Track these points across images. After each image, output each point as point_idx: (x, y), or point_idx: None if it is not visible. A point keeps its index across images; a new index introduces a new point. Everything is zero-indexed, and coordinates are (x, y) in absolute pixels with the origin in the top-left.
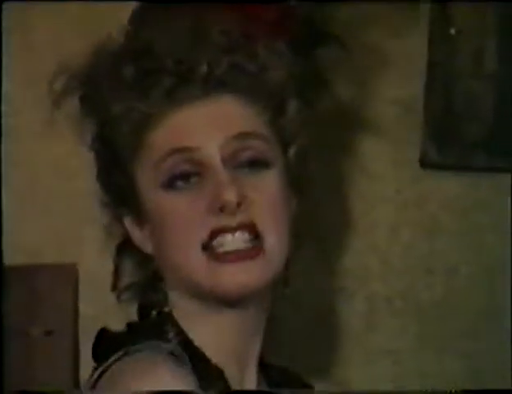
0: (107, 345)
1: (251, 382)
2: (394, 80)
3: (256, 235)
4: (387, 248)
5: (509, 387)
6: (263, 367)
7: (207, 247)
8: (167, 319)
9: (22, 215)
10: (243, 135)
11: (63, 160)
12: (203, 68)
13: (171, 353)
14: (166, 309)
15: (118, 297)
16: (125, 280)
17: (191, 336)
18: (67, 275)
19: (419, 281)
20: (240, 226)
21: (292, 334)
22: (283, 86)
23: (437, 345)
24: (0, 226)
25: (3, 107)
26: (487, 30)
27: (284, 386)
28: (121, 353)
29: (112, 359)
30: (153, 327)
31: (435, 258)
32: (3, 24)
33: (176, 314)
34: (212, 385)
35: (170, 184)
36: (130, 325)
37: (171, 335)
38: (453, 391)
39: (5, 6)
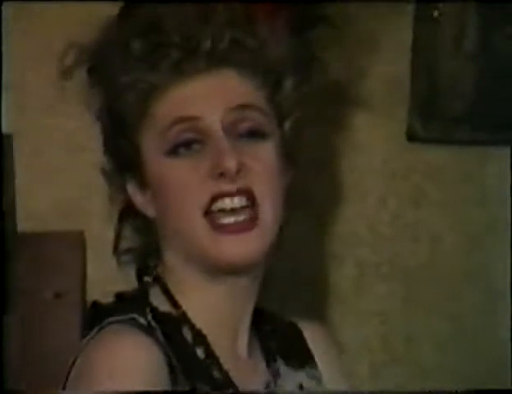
0: (94, 318)
1: (243, 346)
2: (382, 59)
3: (252, 202)
4: (375, 216)
5: (493, 345)
6: (258, 325)
7: (207, 213)
8: (154, 288)
9: (33, 186)
10: (242, 107)
11: (71, 134)
12: (207, 43)
13: (142, 325)
14: (157, 276)
15: (118, 260)
16: (126, 244)
17: (183, 301)
18: (75, 242)
19: (406, 248)
20: (239, 192)
21: (283, 298)
22: (280, 63)
23: (423, 307)
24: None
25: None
26: (468, 13)
27: (277, 341)
28: (97, 328)
29: (92, 333)
30: (134, 299)
31: (420, 227)
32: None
33: (171, 281)
34: (188, 354)
35: (173, 151)
36: (117, 296)
37: (149, 308)
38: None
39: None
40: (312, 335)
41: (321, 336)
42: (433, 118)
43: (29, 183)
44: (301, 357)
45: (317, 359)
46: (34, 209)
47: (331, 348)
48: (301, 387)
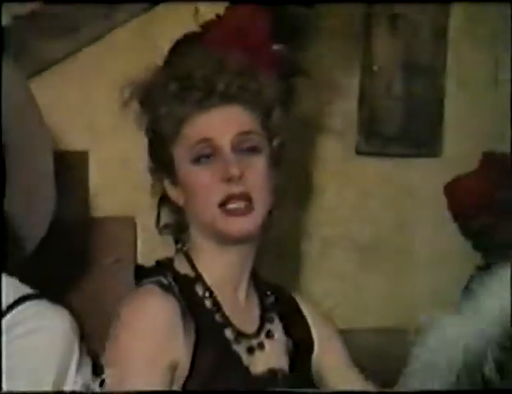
0: (138, 278)
1: (241, 297)
2: (340, 97)
3: (250, 201)
4: (337, 204)
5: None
6: (256, 282)
7: (220, 205)
8: (183, 255)
9: (104, 189)
10: (244, 133)
11: (128, 151)
12: (221, 87)
13: (163, 285)
14: (184, 248)
15: (159, 232)
16: (164, 221)
17: (201, 267)
18: (129, 223)
19: (355, 228)
20: (241, 196)
21: (271, 263)
22: (271, 100)
23: (371, 268)
24: None
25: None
26: (397, 67)
27: (269, 291)
28: (137, 286)
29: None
30: (163, 265)
31: (365, 213)
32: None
33: (192, 250)
34: (203, 307)
35: (197, 160)
36: (156, 262)
37: (171, 272)
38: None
39: None
40: (305, 305)
41: (302, 299)
42: (373, 138)
43: (101, 187)
44: (292, 312)
45: (305, 312)
46: (106, 204)
47: (323, 318)
48: (287, 331)
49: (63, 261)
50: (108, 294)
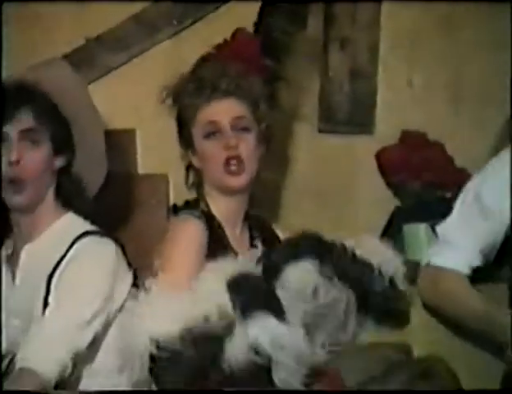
0: (175, 212)
1: (238, 230)
2: (306, 95)
3: (242, 163)
4: (305, 165)
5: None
6: (247, 220)
7: (225, 165)
8: (202, 200)
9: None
10: (239, 117)
11: (165, 136)
12: (224, 85)
13: (197, 216)
14: (202, 195)
15: (187, 188)
16: (190, 179)
17: (213, 209)
18: (164, 179)
19: (318, 179)
20: (236, 157)
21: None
22: (258, 95)
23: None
24: None
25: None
26: (345, 73)
27: (258, 229)
28: (175, 217)
29: (172, 220)
30: (193, 203)
31: (325, 168)
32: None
33: (207, 198)
34: (217, 233)
35: (207, 136)
36: (185, 202)
37: (199, 210)
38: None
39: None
40: (280, 230)
41: (284, 232)
42: (329, 121)
43: (144, 155)
44: (271, 238)
45: (280, 236)
46: (148, 165)
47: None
48: (268, 255)
49: (117, 204)
50: (150, 228)
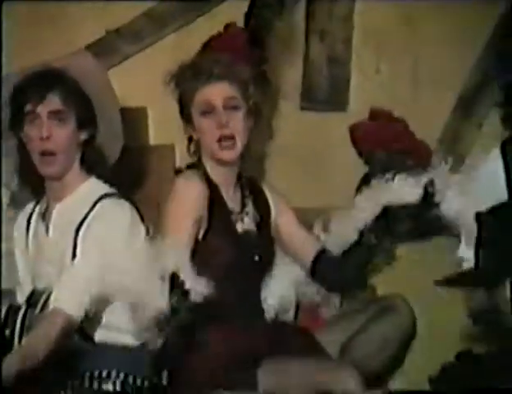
0: (177, 173)
1: (231, 191)
2: (291, 78)
3: (233, 139)
4: (288, 137)
5: None
6: (240, 182)
7: (218, 142)
8: (201, 166)
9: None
10: (230, 97)
11: (171, 113)
12: (217, 71)
13: (199, 175)
14: (201, 161)
15: (190, 156)
16: (192, 149)
17: (210, 173)
18: (171, 149)
19: (301, 148)
20: (228, 136)
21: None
22: (247, 79)
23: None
24: None
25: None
26: (324, 59)
27: (249, 189)
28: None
29: (175, 180)
30: (193, 166)
31: (305, 140)
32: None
33: (205, 164)
34: (214, 193)
35: (203, 114)
36: (187, 165)
37: (202, 169)
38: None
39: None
40: (268, 189)
41: (272, 191)
42: (310, 100)
43: (155, 129)
44: (259, 196)
45: (267, 195)
46: (157, 137)
47: (278, 196)
48: (255, 208)
49: (132, 170)
50: (159, 191)
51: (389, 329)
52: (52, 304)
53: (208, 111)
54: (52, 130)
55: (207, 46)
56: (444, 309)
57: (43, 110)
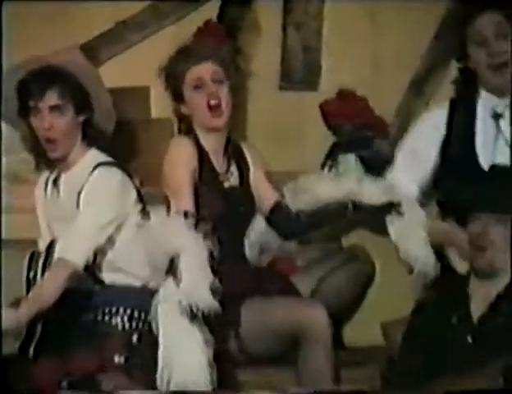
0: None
1: (220, 155)
2: (270, 63)
3: (221, 107)
4: (267, 111)
5: None
6: (228, 149)
7: (209, 110)
8: (192, 134)
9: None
10: (216, 72)
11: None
12: (204, 54)
13: (189, 138)
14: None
15: (179, 129)
16: (182, 127)
17: (201, 141)
18: (169, 122)
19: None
20: (217, 105)
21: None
22: (228, 60)
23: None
24: None
25: None
26: (300, 47)
27: (235, 156)
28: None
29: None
30: (188, 131)
31: (283, 116)
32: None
33: (197, 132)
34: (204, 158)
35: (194, 88)
36: (178, 129)
37: (193, 133)
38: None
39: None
40: (247, 148)
41: (251, 149)
42: (288, 81)
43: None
44: (240, 157)
45: (246, 153)
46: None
47: (255, 153)
48: (238, 167)
49: (136, 139)
50: (159, 158)
51: (352, 275)
52: (56, 254)
53: (199, 85)
54: (52, 122)
55: (192, 37)
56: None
57: (43, 105)
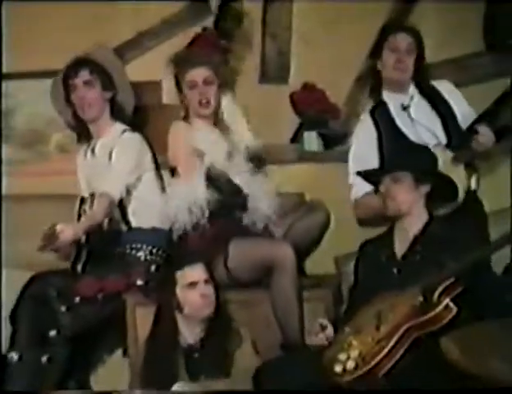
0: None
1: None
2: (253, 59)
3: (209, 102)
4: (249, 102)
5: None
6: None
7: (199, 104)
8: (188, 115)
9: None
10: (207, 76)
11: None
12: (198, 60)
13: (185, 121)
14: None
15: (182, 112)
16: (183, 108)
17: (191, 121)
18: (177, 109)
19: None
20: (207, 101)
21: None
22: (219, 64)
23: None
24: None
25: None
26: (279, 44)
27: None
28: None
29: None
30: (186, 115)
31: (260, 103)
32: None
33: (190, 117)
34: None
35: (190, 87)
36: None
37: (186, 121)
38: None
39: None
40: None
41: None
42: (266, 76)
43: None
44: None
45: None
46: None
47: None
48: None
49: (151, 121)
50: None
51: (313, 222)
52: (99, 191)
53: (193, 86)
54: (85, 93)
55: (193, 41)
56: (349, 210)
57: (78, 81)
